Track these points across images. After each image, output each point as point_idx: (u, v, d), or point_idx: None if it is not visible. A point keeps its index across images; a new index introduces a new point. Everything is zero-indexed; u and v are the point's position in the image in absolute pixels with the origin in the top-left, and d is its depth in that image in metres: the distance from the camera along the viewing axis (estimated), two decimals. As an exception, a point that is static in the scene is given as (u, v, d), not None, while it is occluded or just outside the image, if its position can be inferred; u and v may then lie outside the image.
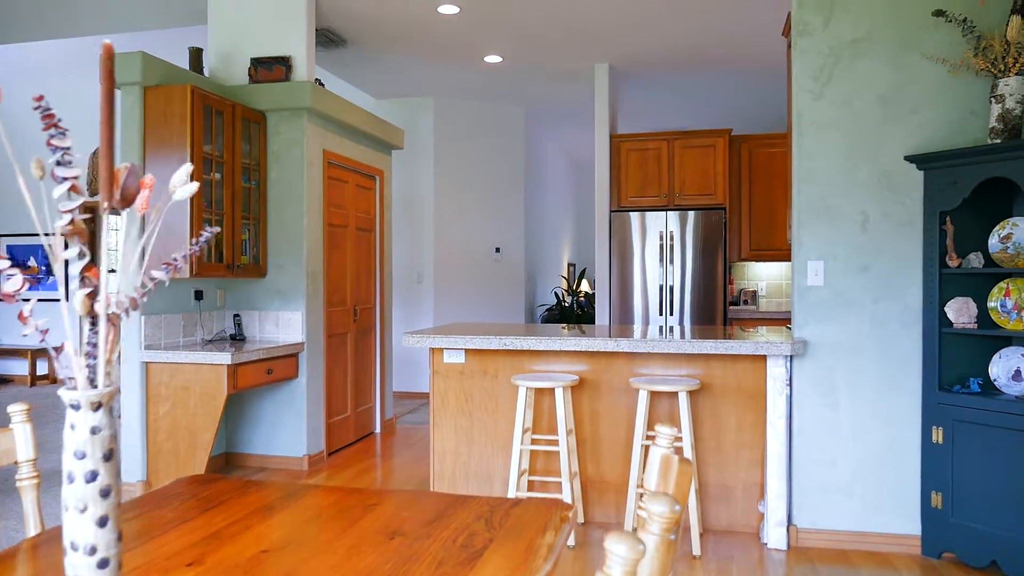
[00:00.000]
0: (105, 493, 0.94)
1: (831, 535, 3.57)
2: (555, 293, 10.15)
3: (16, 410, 1.63)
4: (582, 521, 3.90)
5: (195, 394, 4.31)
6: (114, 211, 0.98)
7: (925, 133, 3.50)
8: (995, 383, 3.28)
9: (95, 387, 0.95)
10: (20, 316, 0.94)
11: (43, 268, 9.17)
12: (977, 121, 3.43)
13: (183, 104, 4.33)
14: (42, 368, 9.17)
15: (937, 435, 3.34)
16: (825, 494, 3.59)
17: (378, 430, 6.21)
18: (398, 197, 7.99)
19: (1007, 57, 3.19)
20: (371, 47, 6.23)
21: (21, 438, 1.64)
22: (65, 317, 0.95)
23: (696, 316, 6.55)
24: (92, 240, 1.02)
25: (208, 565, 1.29)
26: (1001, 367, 3.26)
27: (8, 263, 0.92)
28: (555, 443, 3.92)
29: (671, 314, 6.59)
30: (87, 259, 0.94)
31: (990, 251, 3.29)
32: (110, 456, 0.96)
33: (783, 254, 6.87)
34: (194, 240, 0.96)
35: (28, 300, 1.04)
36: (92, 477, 0.94)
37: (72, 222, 0.94)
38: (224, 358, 4.23)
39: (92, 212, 1.07)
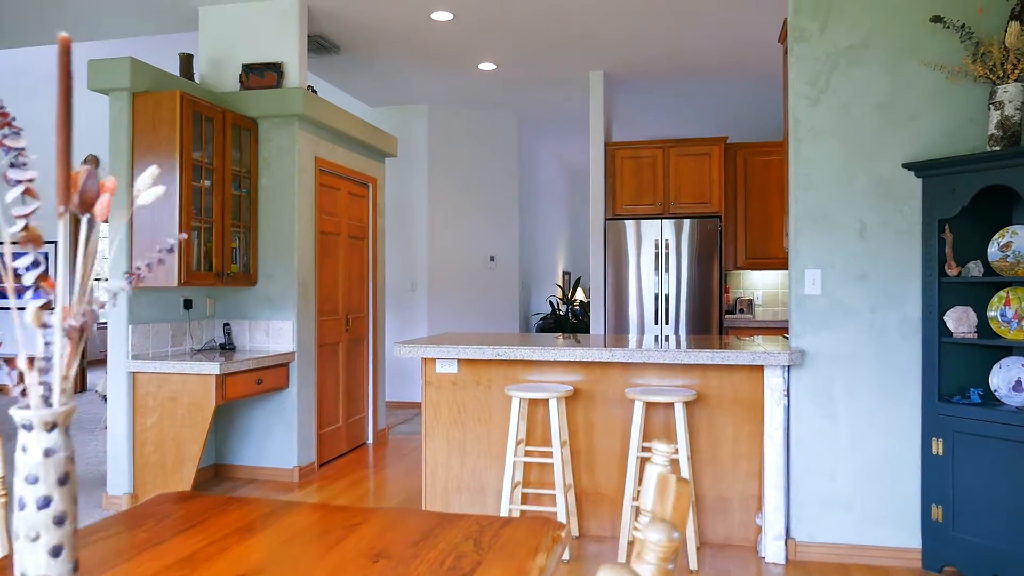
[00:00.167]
0: (59, 521, 0.88)
1: (830, 548, 3.51)
2: (550, 302, 10.08)
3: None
4: (576, 534, 3.82)
5: (183, 405, 4.23)
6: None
7: (923, 140, 3.46)
8: (995, 393, 3.23)
9: (50, 406, 0.88)
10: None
11: None
12: (976, 128, 3.39)
13: (172, 110, 4.26)
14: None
15: (937, 446, 3.28)
16: (824, 506, 3.52)
17: (370, 441, 6.13)
18: (391, 205, 7.93)
19: (1006, 64, 3.15)
20: (364, 54, 6.18)
21: (-11, 455, 1.57)
22: (17, 330, 0.89)
23: (692, 325, 6.49)
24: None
25: (180, 591, 1.23)
26: (1001, 377, 3.21)
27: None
28: (549, 455, 3.85)
29: (667, 323, 6.53)
30: (41, 268, 0.87)
31: (989, 259, 3.25)
32: (65, 480, 0.89)
33: (779, 262, 6.82)
34: (159, 248, 0.90)
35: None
36: (45, 503, 0.87)
37: (26, 228, 0.87)
38: (213, 368, 4.15)
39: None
